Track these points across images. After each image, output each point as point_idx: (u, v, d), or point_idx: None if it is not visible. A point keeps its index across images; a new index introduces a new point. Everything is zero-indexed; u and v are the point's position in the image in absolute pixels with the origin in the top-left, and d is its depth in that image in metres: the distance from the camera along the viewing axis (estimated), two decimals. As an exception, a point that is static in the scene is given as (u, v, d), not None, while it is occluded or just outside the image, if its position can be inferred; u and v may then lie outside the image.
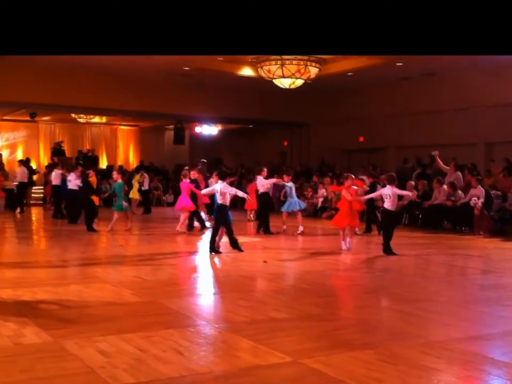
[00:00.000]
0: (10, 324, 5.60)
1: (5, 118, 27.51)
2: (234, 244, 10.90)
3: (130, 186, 20.29)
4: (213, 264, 10.16)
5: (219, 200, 10.68)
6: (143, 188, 20.13)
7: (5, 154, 27.49)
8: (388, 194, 10.67)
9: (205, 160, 17.76)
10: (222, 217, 10.72)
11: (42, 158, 28.56)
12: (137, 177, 19.88)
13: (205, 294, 7.65)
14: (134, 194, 19.82)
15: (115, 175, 14.81)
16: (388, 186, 10.85)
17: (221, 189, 10.65)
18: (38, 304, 6.56)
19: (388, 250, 10.70)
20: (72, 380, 4.19)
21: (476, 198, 14.74)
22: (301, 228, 14.40)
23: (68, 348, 4.85)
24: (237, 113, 24.54)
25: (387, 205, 10.69)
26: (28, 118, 26.00)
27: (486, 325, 6.17)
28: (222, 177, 10.92)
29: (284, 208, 14.80)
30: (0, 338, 5.13)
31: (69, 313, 6.14)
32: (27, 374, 4.26)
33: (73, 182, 15.41)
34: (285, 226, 14.61)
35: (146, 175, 20.65)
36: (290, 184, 14.79)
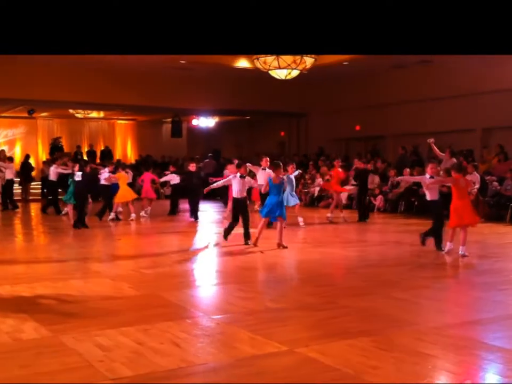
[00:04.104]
0: (9, 320, 5.64)
1: (3, 115, 27.54)
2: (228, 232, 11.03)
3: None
4: (210, 256, 10.21)
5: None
6: (127, 182, 20.40)
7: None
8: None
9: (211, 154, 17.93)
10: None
11: (40, 154, 28.61)
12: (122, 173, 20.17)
13: (203, 286, 7.70)
14: None
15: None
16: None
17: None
18: (37, 299, 6.61)
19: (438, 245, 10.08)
20: (71, 375, 4.24)
21: (472, 184, 14.76)
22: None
23: (67, 343, 4.90)
24: (234, 105, 24.53)
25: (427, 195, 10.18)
26: (26, 115, 26.03)
27: (481, 310, 6.24)
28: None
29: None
30: (-1, 335, 5.19)
31: (68, 308, 6.19)
32: (26, 370, 4.31)
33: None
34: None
35: (130, 171, 20.99)
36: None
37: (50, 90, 20.76)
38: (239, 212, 10.83)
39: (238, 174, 10.82)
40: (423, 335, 5.09)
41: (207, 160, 25.16)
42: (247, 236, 10.80)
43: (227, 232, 10.90)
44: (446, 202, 10.04)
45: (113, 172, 15.93)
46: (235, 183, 10.80)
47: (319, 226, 15.05)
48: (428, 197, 10.09)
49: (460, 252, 9.39)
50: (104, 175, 15.66)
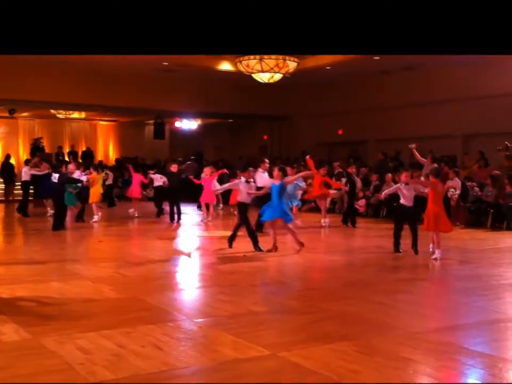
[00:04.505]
0: (-11, 322, 5.59)
1: (-17, 115, 27.28)
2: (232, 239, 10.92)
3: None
4: (193, 258, 10.18)
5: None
6: (106, 183, 20.40)
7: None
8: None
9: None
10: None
11: (21, 154, 28.34)
12: (102, 174, 20.09)
13: (185, 289, 7.67)
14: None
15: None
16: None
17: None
18: (17, 301, 6.55)
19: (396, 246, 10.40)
20: (51, 377, 4.20)
21: (453, 190, 14.88)
22: None
23: (47, 345, 4.86)
24: (217, 108, 24.52)
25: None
26: (7, 114, 25.78)
27: (461, 315, 6.28)
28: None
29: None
30: (-22, 337, 5.13)
31: (48, 310, 6.13)
32: (6, 372, 4.27)
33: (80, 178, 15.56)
34: None
35: (110, 173, 20.98)
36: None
37: (32, 90, 20.59)
38: (243, 215, 10.80)
39: (243, 179, 10.84)
40: (404, 340, 5.11)
41: (189, 162, 25.14)
42: (232, 239, 10.79)
43: (255, 241, 10.68)
44: (422, 205, 10.19)
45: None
46: (241, 187, 10.81)
47: (302, 231, 15.05)
48: (404, 203, 10.19)
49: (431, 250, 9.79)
50: (82, 178, 15.49)
